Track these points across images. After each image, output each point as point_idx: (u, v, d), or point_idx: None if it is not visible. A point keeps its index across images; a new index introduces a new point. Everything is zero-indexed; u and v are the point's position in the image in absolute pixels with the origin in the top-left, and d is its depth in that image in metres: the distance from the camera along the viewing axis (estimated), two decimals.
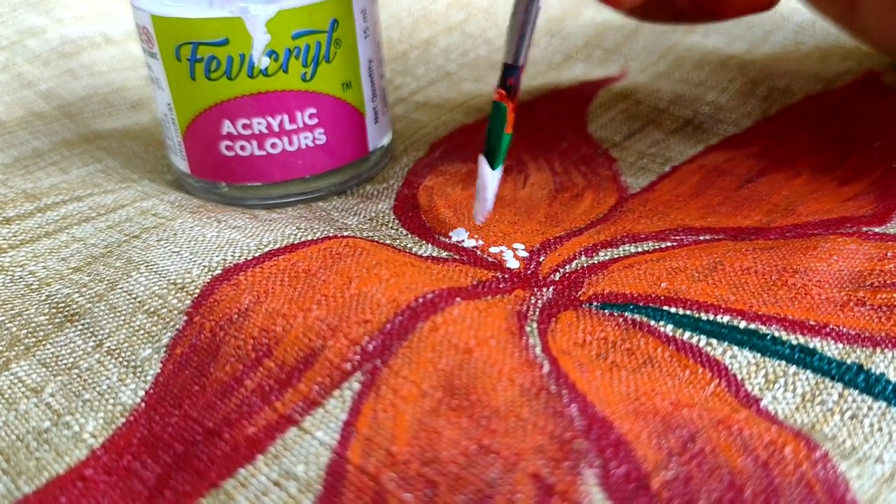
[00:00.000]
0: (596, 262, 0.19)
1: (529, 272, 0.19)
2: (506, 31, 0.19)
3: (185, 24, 0.20)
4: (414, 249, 0.20)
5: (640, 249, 0.19)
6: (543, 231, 0.21)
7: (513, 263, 0.19)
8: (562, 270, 0.19)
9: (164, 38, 0.20)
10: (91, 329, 0.17)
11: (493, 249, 0.19)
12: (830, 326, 0.16)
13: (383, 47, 0.29)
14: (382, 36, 0.35)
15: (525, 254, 0.19)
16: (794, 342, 0.16)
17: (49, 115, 0.30)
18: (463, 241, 0.20)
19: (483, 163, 0.19)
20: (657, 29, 0.33)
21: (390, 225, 0.21)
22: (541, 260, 0.19)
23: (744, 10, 0.23)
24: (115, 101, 0.31)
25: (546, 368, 0.15)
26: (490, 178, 0.19)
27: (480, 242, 0.20)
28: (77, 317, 0.18)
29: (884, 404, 0.14)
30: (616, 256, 0.19)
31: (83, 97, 0.31)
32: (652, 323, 0.16)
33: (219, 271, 0.18)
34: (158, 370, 0.16)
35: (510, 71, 0.19)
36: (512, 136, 0.20)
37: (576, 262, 0.19)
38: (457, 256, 0.19)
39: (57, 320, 0.18)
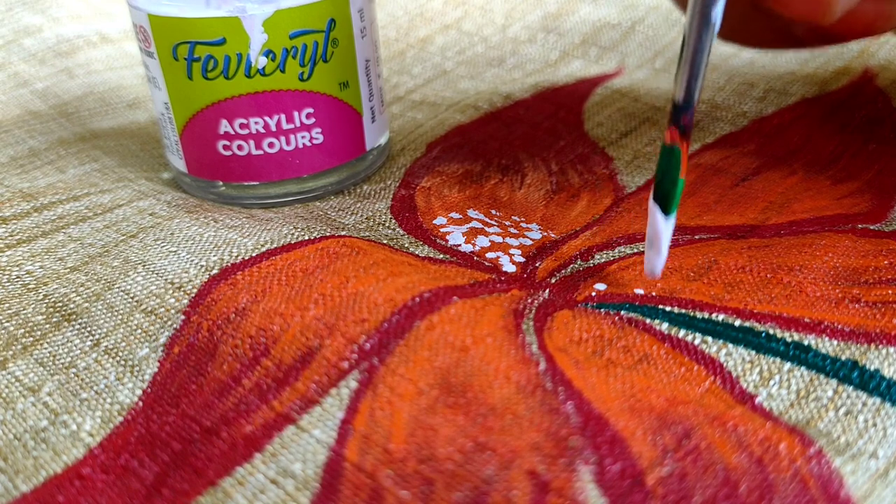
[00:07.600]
0: (592, 265, 0.19)
1: (525, 276, 0.19)
2: (677, 65, 0.16)
3: (182, 23, 0.20)
4: (411, 250, 0.20)
5: (635, 251, 0.19)
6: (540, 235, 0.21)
7: (509, 268, 0.19)
8: (558, 275, 0.19)
9: (161, 37, 0.20)
10: (88, 328, 0.17)
11: (489, 255, 0.19)
12: (825, 323, 0.16)
13: (380, 46, 0.30)
14: (379, 35, 0.35)
15: (521, 259, 0.19)
16: (789, 339, 0.16)
17: (45, 114, 0.30)
18: (460, 245, 0.20)
19: (655, 210, 0.17)
20: (653, 26, 0.33)
21: (387, 225, 0.21)
22: (537, 265, 0.19)
23: (862, 33, 0.20)
24: (112, 100, 0.31)
25: (542, 366, 0.15)
26: (664, 227, 0.17)
27: (477, 248, 0.20)
28: (74, 316, 0.18)
29: (878, 400, 0.14)
30: (612, 259, 0.19)
31: (79, 96, 0.31)
32: (647, 321, 0.16)
33: (216, 271, 0.18)
34: (156, 369, 0.16)
35: (683, 109, 0.16)
36: (685, 182, 0.17)
37: (571, 266, 0.19)
38: (453, 259, 0.19)
39: (54, 320, 0.18)
